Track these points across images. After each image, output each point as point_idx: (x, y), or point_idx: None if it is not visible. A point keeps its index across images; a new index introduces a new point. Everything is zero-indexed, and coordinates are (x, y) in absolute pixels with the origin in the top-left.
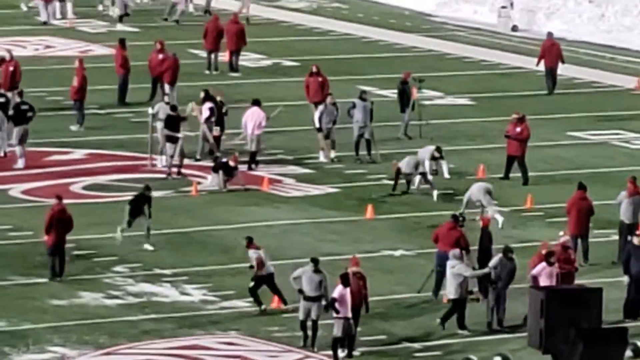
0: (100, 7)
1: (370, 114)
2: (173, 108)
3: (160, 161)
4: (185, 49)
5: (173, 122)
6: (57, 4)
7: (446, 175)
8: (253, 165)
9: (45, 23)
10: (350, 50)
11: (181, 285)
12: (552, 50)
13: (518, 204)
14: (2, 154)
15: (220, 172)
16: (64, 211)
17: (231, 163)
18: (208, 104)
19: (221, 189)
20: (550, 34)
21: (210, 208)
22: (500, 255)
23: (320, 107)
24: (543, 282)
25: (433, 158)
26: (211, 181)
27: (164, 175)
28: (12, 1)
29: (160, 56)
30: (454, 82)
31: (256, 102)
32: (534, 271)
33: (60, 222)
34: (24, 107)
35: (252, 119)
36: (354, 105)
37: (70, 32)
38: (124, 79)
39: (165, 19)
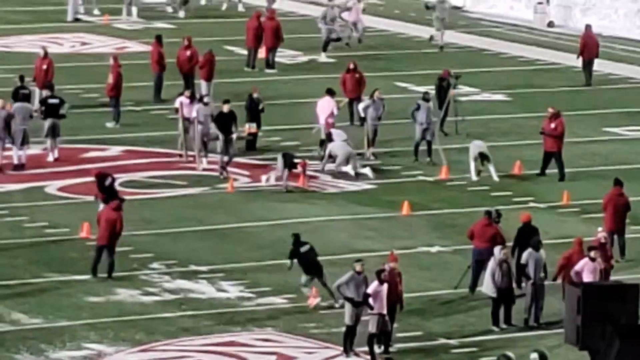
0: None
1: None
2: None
3: (200, 162)
4: (221, 46)
5: (224, 120)
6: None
7: (495, 178)
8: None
9: (76, 20)
10: (387, 46)
11: (217, 282)
12: (590, 43)
13: (555, 200)
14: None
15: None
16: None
17: (296, 160)
18: (197, 105)
19: (285, 183)
20: (588, 27)
21: (246, 204)
22: (529, 250)
23: (367, 101)
24: (586, 277)
25: (481, 157)
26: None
27: (215, 173)
28: None
29: (188, 52)
30: (490, 78)
31: (329, 92)
32: (577, 267)
33: (110, 222)
34: (53, 100)
35: (323, 109)
36: (418, 107)
37: (105, 29)
38: (160, 75)
39: (174, 10)
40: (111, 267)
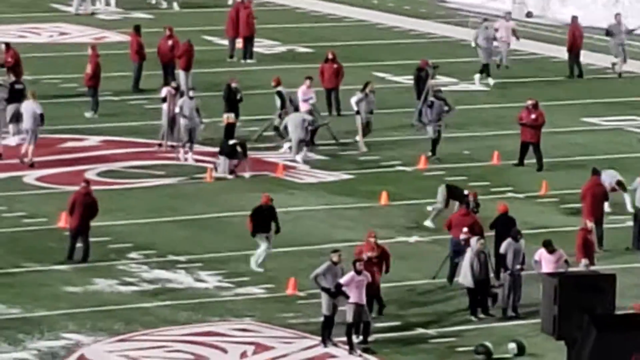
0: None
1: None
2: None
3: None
4: (200, 36)
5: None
6: None
7: (629, 209)
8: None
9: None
10: (364, 36)
11: (196, 272)
12: (577, 35)
13: (533, 190)
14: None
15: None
16: (89, 195)
17: (238, 148)
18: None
19: (225, 172)
20: (574, 18)
21: (224, 194)
22: (509, 240)
23: (360, 94)
24: (545, 268)
25: (613, 190)
26: (221, 166)
27: (178, 162)
28: None
29: (169, 42)
30: (469, 68)
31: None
32: (535, 256)
33: (84, 206)
34: (18, 86)
35: (303, 94)
36: (431, 104)
37: (84, 19)
38: (139, 66)
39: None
40: (86, 253)
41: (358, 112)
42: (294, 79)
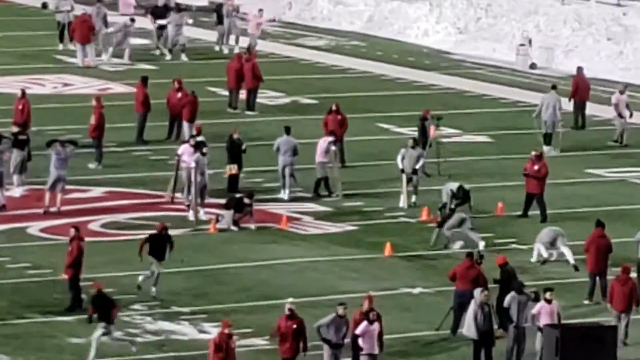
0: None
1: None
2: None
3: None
4: (204, 87)
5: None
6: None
7: (571, 261)
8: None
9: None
10: (369, 88)
11: (199, 324)
12: (582, 86)
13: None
14: (24, 193)
15: (231, 210)
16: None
17: (246, 200)
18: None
19: (229, 226)
20: (580, 69)
21: (228, 245)
22: (512, 293)
23: (402, 150)
24: (544, 320)
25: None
26: (226, 219)
27: (185, 214)
28: (32, 40)
29: (179, 95)
30: (473, 119)
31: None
32: (534, 310)
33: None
34: (22, 137)
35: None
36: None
37: (88, 71)
38: (144, 116)
39: (158, 48)
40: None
41: (402, 171)
42: (299, 130)
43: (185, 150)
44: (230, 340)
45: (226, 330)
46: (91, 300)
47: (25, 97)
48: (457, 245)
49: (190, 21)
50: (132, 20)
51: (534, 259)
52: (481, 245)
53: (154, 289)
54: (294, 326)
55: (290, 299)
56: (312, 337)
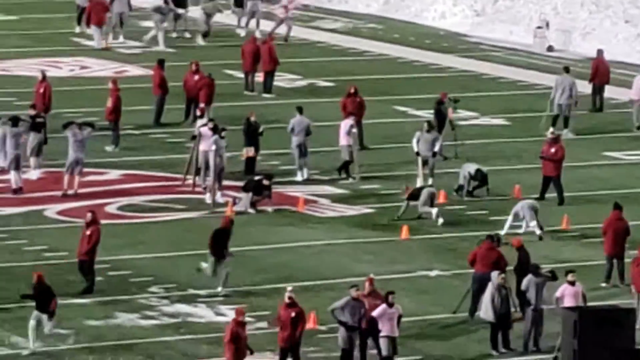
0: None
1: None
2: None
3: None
4: (221, 70)
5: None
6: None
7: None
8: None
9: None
10: (386, 70)
11: (216, 306)
12: (602, 69)
13: (554, 224)
14: (41, 175)
15: (250, 192)
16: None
17: (265, 182)
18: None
19: (246, 209)
20: (600, 52)
21: (245, 228)
22: (529, 275)
23: (417, 133)
24: (567, 302)
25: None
26: (243, 202)
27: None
28: (49, 22)
29: (196, 77)
30: (490, 102)
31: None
32: (557, 293)
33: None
34: (39, 119)
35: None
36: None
37: (105, 53)
38: (161, 99)
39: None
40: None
41: (418, 154)
42: (315, 113)
43: (204, 133)
44: (243, 329)
45: (240, 319)
46: (32, 288)
47: (46, 80)
48: (440, 221)
49: (227, 11)
50: (166, 2)
51: (503, 232)
52: (439, 221)
53: (220, 288)
54: (293, 314)
55: (290, 287)
56: (329, 319)
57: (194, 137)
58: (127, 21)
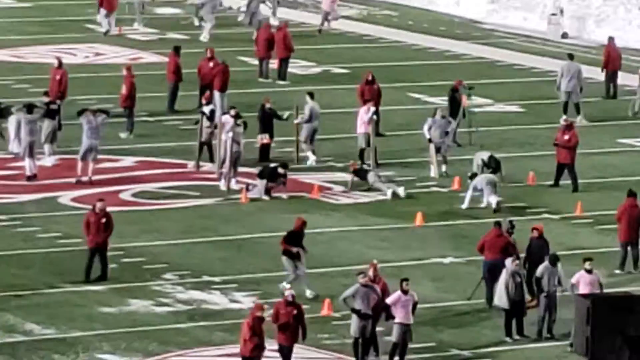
0: (196, 22)
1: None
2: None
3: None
4: (235, 57)
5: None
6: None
7: (493, 205)
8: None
9: (105, 33)
10: (399, 57)
11: (230, 293)
12: (613, 56)
13: (568, 211)
14: (56, 162)
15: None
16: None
17: (280, 171)
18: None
19: (261, 195)
20: (611, 39)
21: (259, 215)
22: (546, 263)
23: (429, 120)
24: (582, 290)
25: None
26: (258, 188)
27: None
28: (63, 9)
29: (211, 64)
30: (504, 89)
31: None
32: (573, 279)
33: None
34: (53, 106)
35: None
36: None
37: (120, 40)
38: (175, 86)
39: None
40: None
41: (430, 141)
42: (329, 100)
43: (226, 121)
44: (261, 324)
45: (258, 314)
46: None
47: (62, 67)
48: (389, 193)
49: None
50: None
51: (464, 206)
52: (401, 191)
53: (308, 291)
54: (294, 312)
55: (288, 286)
56: (341, 306)
57: (196, 123)
58: (145, 9)
